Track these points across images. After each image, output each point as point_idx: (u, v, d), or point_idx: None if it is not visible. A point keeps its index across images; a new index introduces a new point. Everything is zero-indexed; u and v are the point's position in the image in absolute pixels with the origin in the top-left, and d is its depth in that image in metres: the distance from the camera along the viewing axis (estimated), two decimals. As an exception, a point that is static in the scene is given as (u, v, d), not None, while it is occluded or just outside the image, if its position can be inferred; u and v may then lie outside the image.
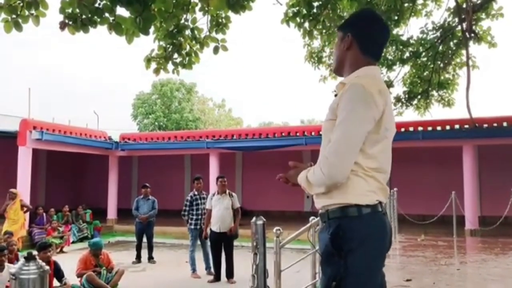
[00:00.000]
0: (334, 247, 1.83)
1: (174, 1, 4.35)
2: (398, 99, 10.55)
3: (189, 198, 8.53)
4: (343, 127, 1.80)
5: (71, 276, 7.01)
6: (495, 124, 11.53)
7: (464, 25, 8.36)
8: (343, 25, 2.15)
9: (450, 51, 9.86)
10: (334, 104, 1.91)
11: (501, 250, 8.46)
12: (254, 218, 3.06)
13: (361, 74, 1.94)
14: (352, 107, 1.80)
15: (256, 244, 2.99)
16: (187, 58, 5.23)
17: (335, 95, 2.01)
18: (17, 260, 7.60)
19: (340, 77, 2.13)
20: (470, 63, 9.16)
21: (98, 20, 3.90)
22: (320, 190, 1.91)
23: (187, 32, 5.05)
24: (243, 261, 8.10)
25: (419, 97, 10.61)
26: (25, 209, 11.14)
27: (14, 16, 3.94)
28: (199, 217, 8.40)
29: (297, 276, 5.66)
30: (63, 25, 3.92)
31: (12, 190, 11.06)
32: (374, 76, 1.95)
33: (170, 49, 5.12)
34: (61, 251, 11.38)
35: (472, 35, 8.77)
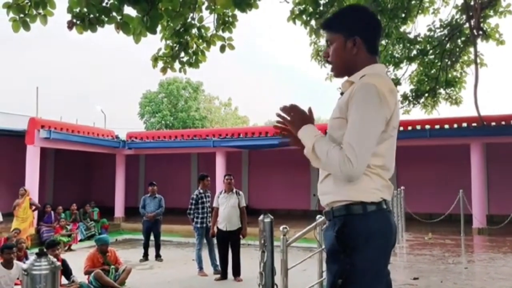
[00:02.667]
0: (340, 245, 1.84)
1: (181, 0, 4.36)
2: (405, 97, 10.49)
3: (194, 196, 8.52)
4: (360, 128, 1.78)
5: (79, 274, 7.08)
6: (503, 122, 11.44)
7: (472, 22, 8.30)
8: (344, 28, 1.99)
9: (457, 49, 9.78)
10: (343, 103, 1.88)
11: (509, 248, 8.41)
12: (262, 216, 3.06)
13: (370, 72, 1.91)
14: (367, 108, 1.79)
15: (264, 241, 2.99)
16: (194, 57, 5.24)
17: (341, 93, 1.99)
18: (26, 257, 7.68)
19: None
20: (478, 60, 9.08)
21: (106, 19, 3.91)
22: (325, 169, 1.93)
23: (194, 30, 5.07)
24: (249, 259, 8.12)
25: (426, 95, 10.55)
26: (33, 207, 11.25)
27: (22, 15, 3.96)
28: (205, 215, 8.42)
29: (304, 275, 5.67)
30: (71, 25, 3.94)
31: (25, 187, 11.22)
32: (382, 74, 1.94)
33: (177, 48, 5.13)
34: (69, 249, 11.48)
35: (480, 32, 8.69)
